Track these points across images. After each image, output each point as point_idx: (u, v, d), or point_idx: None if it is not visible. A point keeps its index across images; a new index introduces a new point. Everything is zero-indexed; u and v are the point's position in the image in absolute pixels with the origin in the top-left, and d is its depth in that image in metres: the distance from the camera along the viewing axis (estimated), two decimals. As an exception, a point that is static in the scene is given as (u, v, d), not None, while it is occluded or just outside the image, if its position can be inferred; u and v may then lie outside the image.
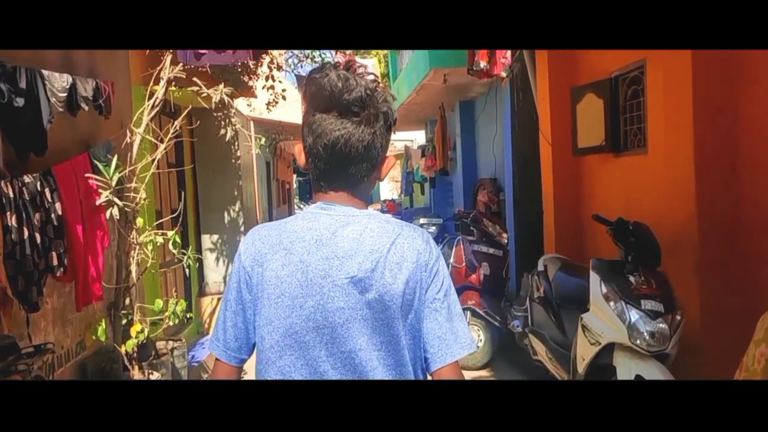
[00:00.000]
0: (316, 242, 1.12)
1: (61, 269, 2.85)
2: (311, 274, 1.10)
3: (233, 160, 5.87)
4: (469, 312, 4.68)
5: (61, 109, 3.01)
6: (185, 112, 4.13)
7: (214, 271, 5.93)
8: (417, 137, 16.66)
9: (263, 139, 4.52)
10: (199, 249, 5.86)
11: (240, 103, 6.49)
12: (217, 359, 1.20)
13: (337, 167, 1.13)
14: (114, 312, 3.59)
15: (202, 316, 5.76)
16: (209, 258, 5.91)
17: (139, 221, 3.80)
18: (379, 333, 1.10)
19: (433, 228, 7.56)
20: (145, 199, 3.85)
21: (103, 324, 3.24)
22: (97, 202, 3.26)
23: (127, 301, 3.58)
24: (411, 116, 11.11)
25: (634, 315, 2.94)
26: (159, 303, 3.51)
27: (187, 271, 3.77)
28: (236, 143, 5.66)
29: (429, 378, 1.18)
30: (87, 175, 3.23)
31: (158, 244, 3.63)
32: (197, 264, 5.87)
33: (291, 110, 6.68)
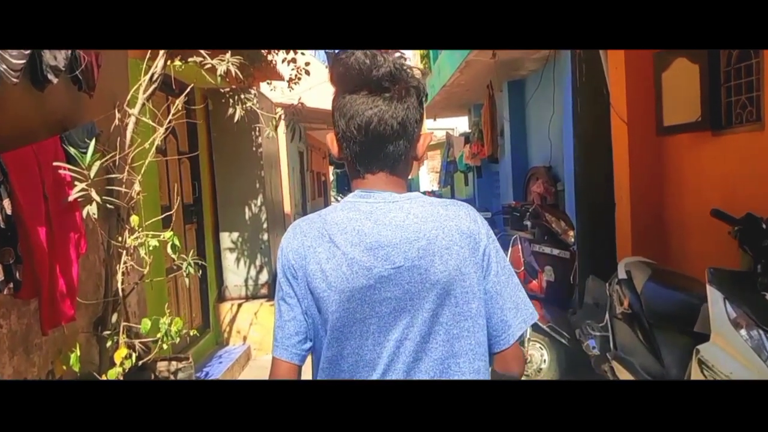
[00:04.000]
0: (357, 233, 1.08)
1: (11, 285, 2.21)
2: (356, 266, 1.06)
3: (254, 148, 5.19)
4: (529, 327, 3.88)
5: (15, 80, 2.35)
6: (188, 90, 3.47)
7: (235, 274, 5.28)
8: (458, 125, 15.75)
9: (274, 120, 3.79)
10: (217, 248, 5.23)
11: (266, 90, 5.83)
12: (276, 359, 1.17)
13: (374, 148, 1.09)
14: (100, 332, 2.96)
15: (221, 325, 5.13)
16: (229, 258, 5.26)
17: (134, 220, 3.14)
18: (428, 323, 1.07)
19: (481, 223, 6.74)
20: (139, 193, 3.20)
21: (77, 349, 2.60)
22: (70, 198, 2.61)
23: (114, 318, 2.94)
24: (453, 100, 10.25)
25: (779, 349, 2.12)
26: (146, 323, 2.85)
27: (187, 280, 3.12)
28: (257, 129, 4.98)
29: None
30: (56, 164, 2.58)
31: (151, 247, 2.96)
32: (215, 266, 5.25)
33: (320, 94, 5.97)
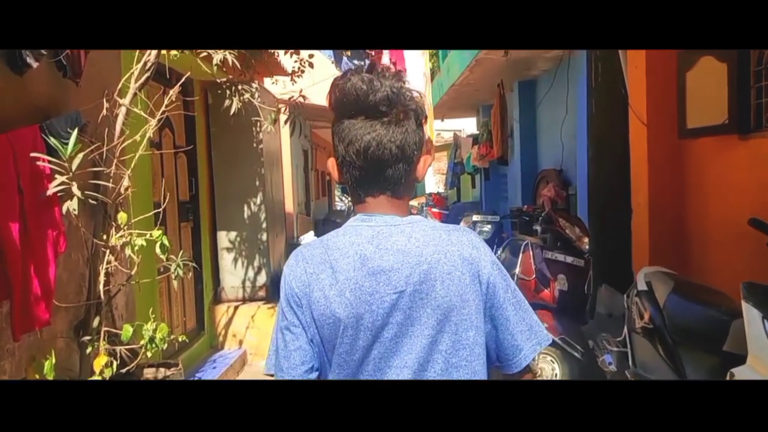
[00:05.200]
0: (360, 258, 1.07)
1: (-24, 287, 2.01)
2: (359, 291, 1.06)
3: (255, 144, 4.99)
4: (540, 338, 3.65)
5: (-13, 62, 2.17)
6: (182, 79, 3.25)
7: (232, 275, 5.07)
8: (466, 126, 15.53)
9: (273, 113, 3.59)
10: (214, 248, 5.03)
11: (268, 84, 5.62)
12: None
13: (373, 172, 1.10)
14: (82, 336, 2.76)
15: (216, 328, 4.92)
16: (226, 259, 5.05)
17: (121, 217, 2.94)
18: (427, 351, 1.06)
19: (488, 227, 6.54)
20: (128, 189, 2.99)
21: (53, 356, 2.39)
22: (48, 192, 2.40)
23: (97, 322, 2.73)
24: (461, 100, 10.04)
25: (826, 377, 1.89)
26: (128, 330, 2.64)
27: (175, 283, 2.92)
28: (258, 124, 4.77)
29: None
30: (34, 154, 2.38)
31: (137, 246, 2.75)
32: (212, 266, 5.05)
33: (326, 90, 5.75)
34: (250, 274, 5.07)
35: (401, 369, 1.05)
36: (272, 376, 1.16)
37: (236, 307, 4.95)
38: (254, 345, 4.85)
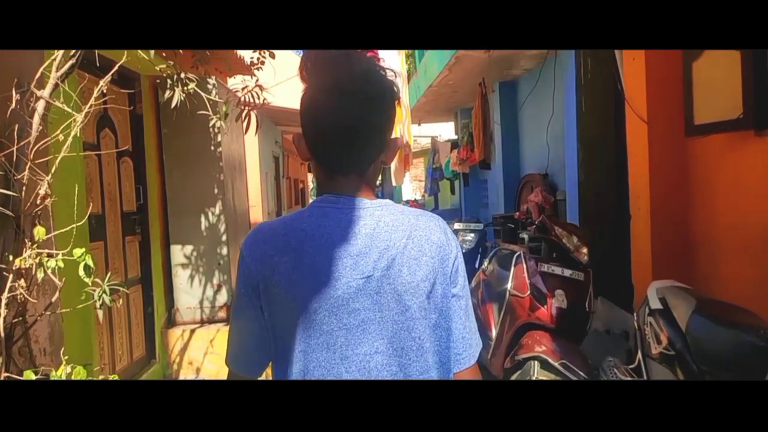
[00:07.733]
0: (326, 241, 1.03)
1: None
2: (323, 276, 1.01)
3: (212, 147, 4.47)
4: (537, 362, 3.20)
5: None
6: (115, 68, 2.74)
7: (188, 294, 4.52)
8: (444, 132, 15.16)
9: (226, 107, 3.11)
10: (167, 264, 4.47)
11: (228, 82, 5.11)
12: (233, 373, 1.13)
13: (342, 150, 1.05)
14: (-19, 380, 2.21)
15: (170, 355, 4.36)
16: (181, 276, 4.50)
17: (39, 232, 2.41)
18: (399, 337, 1.03)
19: (471, 235, 6.10)
20: (45, 198, 2.47)
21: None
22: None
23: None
24: (439, 103, 9.64)
25: None
26: (30, 376, 2.11)
27: (99, 313, 2.37)
28: (216, 126, 4.26)
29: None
30: None
31: (50, 268, 2.23)
32: (164, 285, 4.49)
33: (296, 92, 5.26)
34: (209, 292, 4.53)
35: (371, 355, 1.01)
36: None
37: (193, 331, 4.40)
38: (213, 373, 4.31)
